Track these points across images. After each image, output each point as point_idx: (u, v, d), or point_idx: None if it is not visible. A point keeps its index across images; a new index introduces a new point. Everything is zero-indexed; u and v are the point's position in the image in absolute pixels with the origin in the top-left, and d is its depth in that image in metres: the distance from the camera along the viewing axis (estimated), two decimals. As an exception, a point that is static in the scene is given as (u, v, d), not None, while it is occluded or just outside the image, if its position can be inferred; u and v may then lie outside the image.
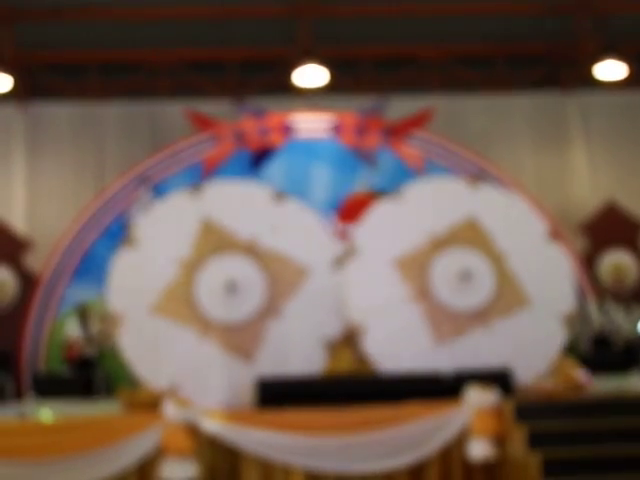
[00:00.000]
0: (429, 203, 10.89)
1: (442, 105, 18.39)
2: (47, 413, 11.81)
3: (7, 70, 16.97)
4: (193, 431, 9.02)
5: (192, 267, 10.15)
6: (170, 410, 9.00)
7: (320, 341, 10.25)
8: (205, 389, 9.82)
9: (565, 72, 18.83)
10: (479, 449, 9.10)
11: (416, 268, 10.46)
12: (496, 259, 10.58)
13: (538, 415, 8.97)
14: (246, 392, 9.95)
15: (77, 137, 18.09)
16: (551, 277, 10.75)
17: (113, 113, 18.24)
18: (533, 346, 10.46)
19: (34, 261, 16.79)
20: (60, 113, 18.15)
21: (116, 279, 10.26)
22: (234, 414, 9.43)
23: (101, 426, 9.11)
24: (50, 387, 13.01)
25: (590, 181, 18.35)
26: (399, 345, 10.38)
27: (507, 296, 10.45)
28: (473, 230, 10.63)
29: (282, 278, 10.22)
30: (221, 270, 10.14)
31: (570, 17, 17.90)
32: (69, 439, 9.00)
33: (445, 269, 10.46)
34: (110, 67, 18.33)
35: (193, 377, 9.89)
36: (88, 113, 18.17)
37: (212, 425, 9.06)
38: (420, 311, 10.39)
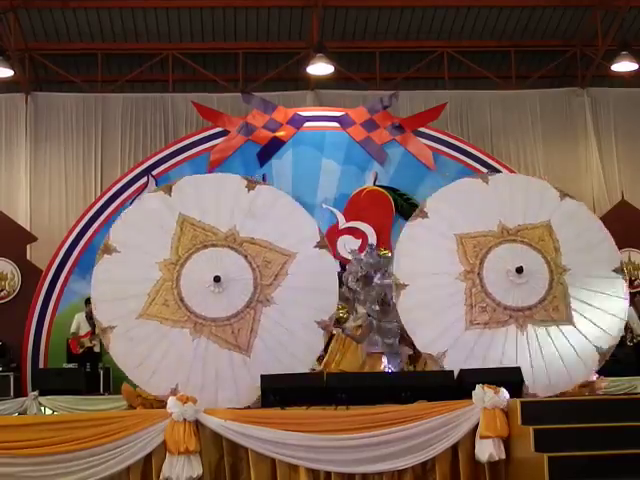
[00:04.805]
0: (514, 196, 10.87)
1: (453, 101, 18.43)
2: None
3: (12, 59, 17.04)
4: (197, 428, 9.02)
5: (175, 267, 10.02)
6: (173, 407, 9.01)
7: (316, 324, 10.18)
8: (206, 388, 9.76)
9: (578, 68, 18.81)
10: (487, 449, 9.10)
11: (476, 249, 10.44)
12: (557, 270, 10.47)
13: (546, 416, 8.97)
14: (249, 385, 9.92)
15: (81, 128, 18.17)
16: (604, 309, 10.53)
17: (120, 105, 18.26)
18: (559, 363, 10.28)
19: (36, 252, 16.86)
20: (64, 103, 18.21)
21: (99, 289, 10.11)
22: (237, 411, 9.44)
23: (104, 422, 9.08)
24: (53, 382, 13.05)
25: (602, 178, 18.32)
26: (430, 313, 10.34)
27: (552, 307, 10.37)
28: (545, 236, 10.58)
29: (268, 266, 10.13)
30: (205, 266, 10.04)
31: (584, 13, 17.92)
32: (72, 435, 8.97)
33: (503, 260, 10.41)
34: (117, 58, 18.39)
35: (193, 377, 9.79)
36: (93, 103, 18.22)
37: (215, 422, 9.06)
38: (463, 289, 10.34)
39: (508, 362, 10.12)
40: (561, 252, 10.53)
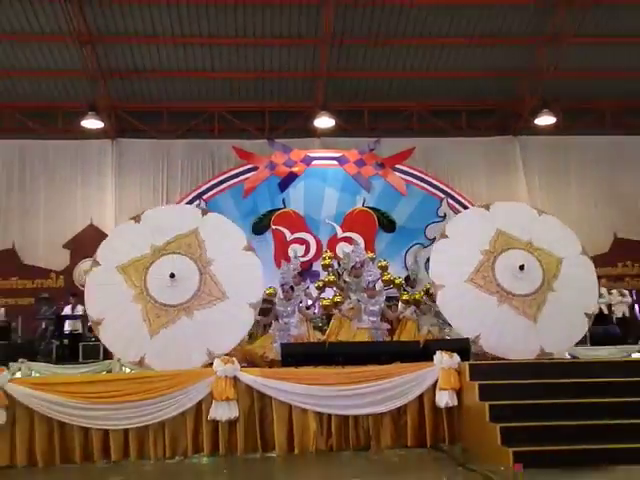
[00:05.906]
0: (551, 231, 10.78)
1: (420, 145, 18.44)
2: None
3: (102, 114, 17.23)
4: (235, 382, 9.04)
5: (143, 294, 9.80)
6: (218, 367, 9.01)
7: (244, 250, 10.14)
8: (213, 339, 9.64)
9: (511, 121, 18.79)
10: (444, 398, 9.09)
11: (504, 244, 10.41)
12: (547, 286, 10.23)
13: (488, 374, 8.94)
14: (234, 317, 9.81)
15: (152, 164, 18.24)
16: (564, 332, 10.26)
17: (180, 148, 18.33)
18: (506, 338, 9.99)
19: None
20: (140, 146, 18.28)
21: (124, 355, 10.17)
22: (265, 370, 9.45)
23: (167, 377, 9.08)
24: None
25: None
26: (452, 261, 10.35)
27: (528, 304, 10.13)
28: (553, 264, 10.44)
29: (191, 246, 10.04)
30: (159, 276, 9.88)
31: (515, 80, 17.91)
32: (143, 388, 8.97)
33: (515, 258, 10.32)
34: (178, 114, 18.41)
35: (218, 340, 9.66)
36: (160, 147, 18.27)
37: (248, 378, 9.07)
38: (479, 260, 10.28)
39: (478, 317, 10.02)
40: (558, 280, 10.37)
